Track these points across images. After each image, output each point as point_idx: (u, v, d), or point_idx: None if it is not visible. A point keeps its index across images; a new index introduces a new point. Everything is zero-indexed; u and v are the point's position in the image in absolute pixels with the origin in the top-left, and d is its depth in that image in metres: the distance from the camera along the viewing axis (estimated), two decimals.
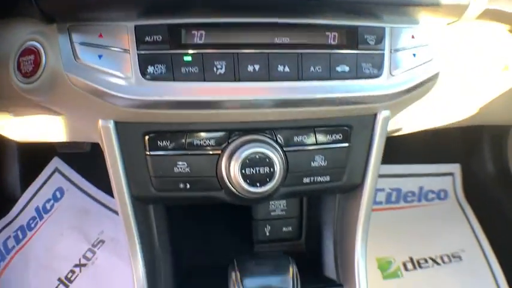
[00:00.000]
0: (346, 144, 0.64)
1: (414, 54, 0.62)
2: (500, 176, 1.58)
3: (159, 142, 0.58)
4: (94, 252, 1.36)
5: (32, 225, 1.42)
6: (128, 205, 0.62)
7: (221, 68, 0.54)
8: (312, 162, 0.62)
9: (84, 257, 1.36)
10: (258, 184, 0.56)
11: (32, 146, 1.44)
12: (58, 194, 1.45)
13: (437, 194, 1.61)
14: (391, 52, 0.60)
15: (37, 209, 1.44)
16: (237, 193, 0.59)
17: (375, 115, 0.64)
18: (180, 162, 0.59)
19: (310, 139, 0.62)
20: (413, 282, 1.44)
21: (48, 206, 1.44)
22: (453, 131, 1.63)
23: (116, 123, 0.58)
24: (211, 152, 0.59)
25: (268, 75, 0.55)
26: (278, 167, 0.57)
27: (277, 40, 0.56)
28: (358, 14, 0.58)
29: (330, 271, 0.80)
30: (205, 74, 0.54)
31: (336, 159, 0.64)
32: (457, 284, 1.46)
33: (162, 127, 0.58)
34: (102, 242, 1.38)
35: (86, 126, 0.65)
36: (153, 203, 0.70)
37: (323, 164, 0.63)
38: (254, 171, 0.56)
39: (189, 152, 0.59)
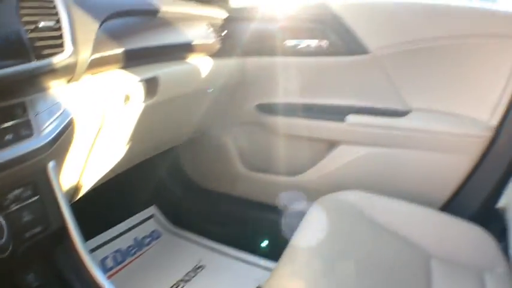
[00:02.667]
0: (38, 196, 0.73)
1: (50, 112, 0.73)
2: (181, 180, 1.80)
3: None
4: None
5: None
6: None
7: None
8: (23, 219, 0.70)
9: None
10: None
11: None
12: None
13: (151, 237, 1.75)
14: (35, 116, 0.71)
15: None
16: None
17: (45, 168, 0.74)
18: None
19: (6, 203, 0.68)
20: None
21: None
22: (140, 180, 1.78)
23: None
24: None
25: None
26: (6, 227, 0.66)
27: None
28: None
29: None
30: None
31: (37, 210, 0.73)
32: None
33: None
34: None
35: None
36: None
37: (31, 217, 0.72)
38: None
39: None
